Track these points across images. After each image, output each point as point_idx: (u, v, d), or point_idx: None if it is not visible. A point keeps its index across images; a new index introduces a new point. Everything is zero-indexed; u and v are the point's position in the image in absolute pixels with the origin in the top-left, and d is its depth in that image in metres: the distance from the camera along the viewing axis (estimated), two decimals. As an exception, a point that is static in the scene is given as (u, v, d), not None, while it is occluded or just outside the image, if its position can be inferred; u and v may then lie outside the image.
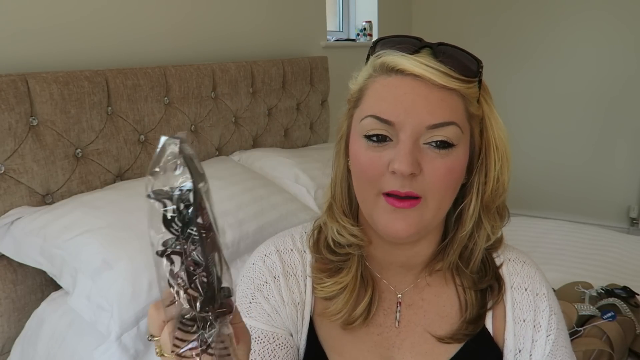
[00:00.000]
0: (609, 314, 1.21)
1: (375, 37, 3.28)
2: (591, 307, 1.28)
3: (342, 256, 0.70)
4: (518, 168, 3.62)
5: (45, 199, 1.36)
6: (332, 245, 0.70)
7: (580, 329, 1.22)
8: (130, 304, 1.13)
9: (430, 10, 3.82)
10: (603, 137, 3.44)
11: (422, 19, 3.85)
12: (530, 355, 0.71)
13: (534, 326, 0.71)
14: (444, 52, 0.61)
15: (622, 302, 1.31)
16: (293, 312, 0.70)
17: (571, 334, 1.20)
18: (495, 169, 0.65)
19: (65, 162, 1.39)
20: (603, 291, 1.37)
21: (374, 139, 0.61)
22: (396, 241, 0.66)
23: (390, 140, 0.60)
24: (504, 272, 0.73)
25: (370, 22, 3.24)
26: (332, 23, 3.21)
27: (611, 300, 1.32)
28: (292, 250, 0.73)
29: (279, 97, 2.23)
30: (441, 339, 0.69)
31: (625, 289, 1.39)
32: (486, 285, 0.70)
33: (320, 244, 0.72)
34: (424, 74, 0.59)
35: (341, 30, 3.32)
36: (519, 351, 0.71)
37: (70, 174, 1.40)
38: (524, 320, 0.71)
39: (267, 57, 2.28)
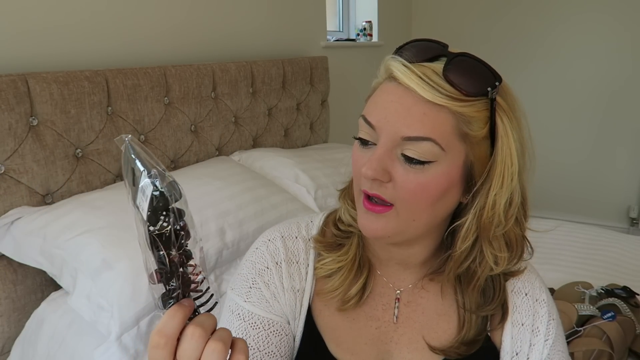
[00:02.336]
0: (609, 314, 1.21)
1: (375, 37, 3.28)
2: (591, 307, 1.28)
3: (344, 233, 0.72)
4: (518, 168, 3.62)
5: (45, 199, 1.36)
6: (338, 222, 0.73)
7: (580, 329, 1.22)
8: (131, 304, 1.13)
9: (430, 10, 3.82)
10: (603, 137, 3.44)
11: (422, 19, 3.85)
12: (528, 358, 0.72)
13: (532, 330, 0.72)
14: (456, 64, 0.59)
15: (622, 302, 1.31)
16: (292, 299, 0.71)
17: (571, 334, 1.20)
18: (492, 193, 0.61)
19: (65, 162, 1.39)
20: (603, 291, 1.37)
21: (361, 142, 0.64)
22: (373, 239, 0.68)
23: (374, 144, 0.62)
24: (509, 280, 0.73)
25: (370, 22, 3.24)
26: (332, 23, 3.21)
27: (611, 300, 1.32)
28: (296, 237, 0.74)
29: (279, 97, 2.23)
30: (433, 350, 0.69)
31: (625, 289, 1.39)
32: (487, 313, 0.70)
33: (329, 219, 0.75)
34: (410, 86, 0.58)
35: (341, 30, 3.31)
36: (516, 354, 0.71)
37: (70, 174, 1.40)
38: (522, 324, 0.72)
39: (267, 57, 2.28)
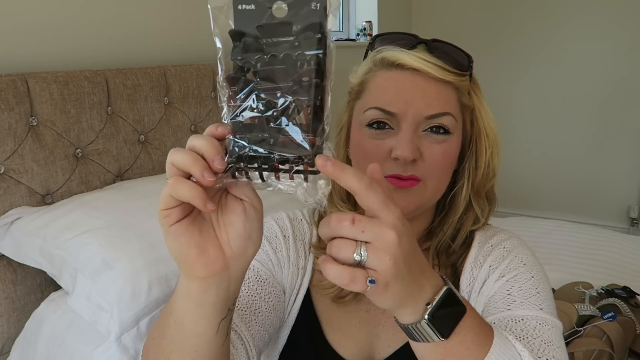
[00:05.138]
0: (609, 314, 1.21)
1: (375, 37, 3.28)
2: (591, 307, 1.28)
3: None
4: (518, 168, 3.63)
5: (45, 199, 1.36)
6: None
7: (580, 329, 1.22)
8: (130, 304, 1.13)
9: (430, 10, 3.82)
10: (603, 137, 3.44)
11: (421, 19, 3.85)
12: (480, 291, 0.68)
13: (490, 269, 0.69)
14: (438, 48, 0.65)
15: (622, 302, 1.31)
16: (295, 274, 0.73)
17: (571, 334, 1.20)
18: (486, 155, 0.70)
19: (65, 162, 1.39)
20: (603, 291, 1.37)
21: (375, 126, 0.65)
22: None
23: (391, 128, 0.65)
24: (480, 234, 0.74)
25: (370, 22, 3.24)
26: (331, 23, 3.21)
27: (611, 300, 1.32)
28: (301, 219, 0.78)
29: (279, 97, 2.22)
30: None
31: (625, 289, 1.39)
32: (457, 257, 0.73)
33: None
34: (422, 68, 0.64)
35: (341, 30, 3.31)
36: (477, 293, 0.69)
37: (70, 174, 1.40)
38: (481, 266, 0.70)
39: (267, 57, 2.28)
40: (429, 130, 0.64)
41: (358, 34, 3.25)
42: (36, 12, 1.42)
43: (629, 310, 1.29)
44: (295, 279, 0.73)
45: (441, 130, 0.65)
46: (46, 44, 1.45)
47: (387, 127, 0.65)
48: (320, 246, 0.74)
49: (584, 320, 1.25)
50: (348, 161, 0.72)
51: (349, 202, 0.74)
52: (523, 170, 3.62)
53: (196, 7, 1.91)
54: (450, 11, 3.75)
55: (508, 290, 0.65)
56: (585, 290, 1.37)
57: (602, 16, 3.29)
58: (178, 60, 1.85)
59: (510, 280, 0.66)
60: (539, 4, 3.46)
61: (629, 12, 3.22)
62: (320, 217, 0.78)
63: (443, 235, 0.72)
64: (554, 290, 1.43)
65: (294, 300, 0.73)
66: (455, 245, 0.73)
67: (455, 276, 0.73)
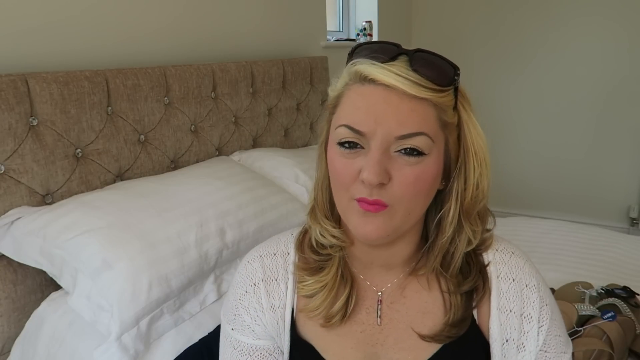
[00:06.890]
0: (609, 314, 1.21)
1: (375, 37, 3.28)
2: (591, 307, 1.28)
3: (324, 256, 0.72)
4: (518, 168, 3.63)
5: (45, 199, 1.36)
6: (315, 246, 0.72)
7: (580, 329, 1.22)
8: (130, 304, 1.13)
9: (430, 10, 3.82)
10: (603, 137, 3.44)
11: (421, 19, 3.85)
12: (523, 345, 0.70)
13: (523, 317, 0.70)
14: (420, 60, 0.60)
15: (622, 302, 1.31)
16: (272, 317, 0.72)
17: (571, 334, 1.20)
18: (474, 175, 0.65)
19: (65, 162, 1.39)
20: (603, 291, 1.37)
21: (346, 145, 0.62)
22: (367, 242, 0.67)
23: (362, 147, 0.61)
24: (491, 259, 0.72)
25: (370, 22, 3.24)
26: (332, 23, 3.21)
27: (611, 300, 1.32)
28: (274, 254, 0.75)
29: (279, 97, 2.23)
30: (423, 338, 0.69)
31: (625, 289, 1.39)
32: (469, 287, 0.70)
33: (304, 244, 0.75)
34: (394, 85, 0.59)
35: (341, 30, 3.32)
36: (506, 341, 0.70)
37: (70, 174, 1.40)
38: (510, 310, 0.70)
39: (267, 57, 2.28)
40: (401, 151, 0.60)
41: (358, 34, 3.25)
42: (36, 13, 1.42)
43: (628, 310, 1.29)
44: (275, 321, 0.72)
45: (414, 152, 0.60)
46: (46, 44, 1.45)
47: (358, 146, 0.61)
48: (303, 267, 0.72)
49: (583, 320, 1.25)
50: (329, 177, 0.68)
51: (333, 218, 0.71)
52: (523, 170, 3.62)
53: (196, 7, 1.91)
54: (451, 11, 3.75)
55: (545, 349, 0.70)
56: (585, 290, 1.37)
57: (604, 16, 3.29)
58: (178, 60, 1.85)
59: (547, 337, 0.70)
60: (540, 3, 3.46)
61: (630, 12, 3.22)
62: (302, 240, 0.76)
63: (434, 260, 0.69)
64: (553, 290, 1.43)
65: (284, 340, 0.72)
66: (452, 272, 0.69)
67: (468, 306, 0.70)
